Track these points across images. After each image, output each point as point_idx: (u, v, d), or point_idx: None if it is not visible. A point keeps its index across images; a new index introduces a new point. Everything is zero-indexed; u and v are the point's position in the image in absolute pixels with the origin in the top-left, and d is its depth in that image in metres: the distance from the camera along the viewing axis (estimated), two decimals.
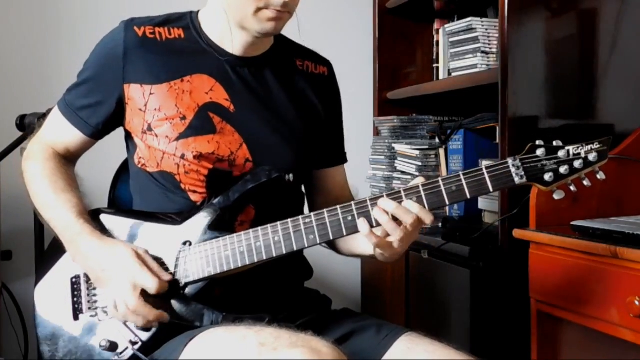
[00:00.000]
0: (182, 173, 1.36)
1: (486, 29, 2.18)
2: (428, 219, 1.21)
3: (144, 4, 2.43)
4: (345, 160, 1.60)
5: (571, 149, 1.21)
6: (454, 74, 2.31)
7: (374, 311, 2.50)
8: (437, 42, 2.54)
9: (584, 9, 1.94)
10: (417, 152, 2.34)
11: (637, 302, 1.37)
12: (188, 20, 1.42)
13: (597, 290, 1.49)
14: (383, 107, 2.68)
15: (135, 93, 1.37)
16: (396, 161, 2.45)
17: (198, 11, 1.44)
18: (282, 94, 1.43)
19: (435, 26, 2.59)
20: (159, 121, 1.36)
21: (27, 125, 2.10)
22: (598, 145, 1.21)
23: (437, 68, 2.54)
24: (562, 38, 1.91)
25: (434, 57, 2.59)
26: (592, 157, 1.20)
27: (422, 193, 1.22)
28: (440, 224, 2.28)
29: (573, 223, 1.59)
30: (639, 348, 1.42)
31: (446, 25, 2.38)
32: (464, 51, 2.24)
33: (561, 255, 1.59)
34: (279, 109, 1.42)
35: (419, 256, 2.12)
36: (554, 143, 1.22)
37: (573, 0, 1.93)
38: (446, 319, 2.04)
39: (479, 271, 1.90)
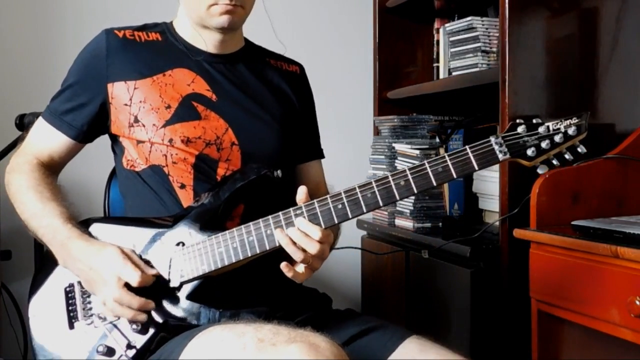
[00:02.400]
0: (170, 163, 1.39)
1: (486, 28, 2.18)
2: (315, 233, 1.23)
3: (144, 3, 2.43)
4: (322, 155, 1.64)
5: (550, 124, 1.25)
6: (454, 74, 2.31)
7: (374, 311, 2.50)
8: (438, 41, 2.54)
9: (585, 8, 1.94)
10: (418, 152, 2.33)
11: (637, 302, 1.37)
12: (163, 27, 1.51)
13: (597, 290, 1.49)
14: (383, 106, 2.68)
15: (119, 90, 1.41)
16: (396, 161, 2.45)
17: (171, 21, 1.51)
18: (258, 85, 1.50)
19: (436, 25, 2.59)
20: (144, 112, 1.39)
21: (26, 125, 2.10)
22: (576, 120, 1.25)
23: (438, 67, 2.53)
24: (562, 37, 1.91)
25: (434, 57, 2.59)
26: (571, 131, 1.24)
27: (410, 176, 1.25)
28: (440, 224, 2.28)
29: (573, 223, 1.59)
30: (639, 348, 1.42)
31: (446, 25, 2.37)
32: (464, 50, 2.24)
33: (562, 255, 1.58)
34: (257, 97, 1.48)
35: (419, 256, 2.12)
36: (534, 120, 1.26)
37: (573, 0, 1.92)
38: (446, 319, 2.03)
39: (479, 271, 1.90)
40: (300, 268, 1.25)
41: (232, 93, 1.45)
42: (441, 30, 2.45)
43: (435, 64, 2.58)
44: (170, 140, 1.38)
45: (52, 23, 2.55)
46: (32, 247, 2.18)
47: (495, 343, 1.89)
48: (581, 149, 1.26)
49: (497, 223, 1.90)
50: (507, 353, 1.87)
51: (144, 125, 1.39)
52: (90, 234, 1.35)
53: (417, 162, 2.29)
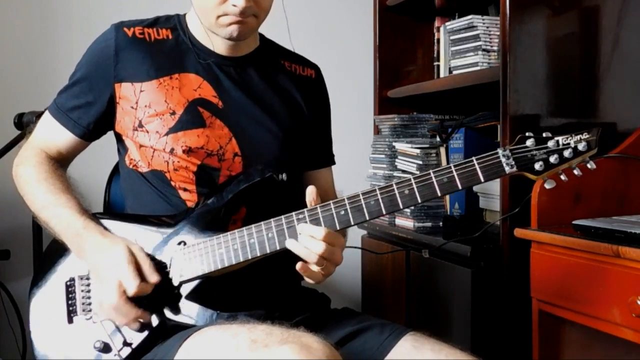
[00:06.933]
0: (171, 170, 1.38)
1: (487, 27, 2.17)
2: (318, 233, 1.22)
3: (140, 4, 2.43)
4: (332, 162, 1.61)
5: (560, 139, 1.23)
6: (454, 72, 2.30)
7: (374, 311, 2.49)
8: (438, 40, 2.53)
9: (586, 6, 1.93)
10: (418, 151, 2.33)
11: (639, 302, 1.36)
12: (175, 22, 1.47)
13: (598, 290, 1.48)
14: (383, 105, 2.67)
15: (126, 91, 1.39)
16: (397, 160, 2.44)
17: (185, 14, 1.48)
18: (268, 91, 1.47)
19: (436, 24, 2.58)
20: (149, 117, 1.38)
21: (25, 124, 2.10)
22: (587, 135, 1.22)
23: (438, 66, 2.53)
24: (563, 36, 1.90)
25: (435, 55, 2.58)
26: (581, 146, 1.22)
27: (414, 185, 1.24)
28: (441, 223, 2.28)
29: (575, 222, 1.59)
30: None
31: (447, 23, 2.37)
32: (464, 49, 2.23)
33: (563, 255, 1.58)
34: (265, 104, 1.45)
35: (419, 255, 2.11)
36: (544, 134, 1.24)
37: None
38: (447, 319, 2.03)
39: (480, 270, 1.89)
40: (315, 268, 1.25)
41: (239, 100, 1.43)
42: (442, 29, 2.44)
43: (435, 63, 2.57)
44: (172, 150, 1.37)
45: (51, 22, 2.55)
46: (30, 246, 2.18)
47: (496, 343, 1.89)
48: (590, 165, 1.24)
49: (498, 222, 1.90)
50: (508, 353, 1.87)
51: (147, 132, 1.38)
52: (105, 227, 1.33)
53: (417, 161, 2.32)
